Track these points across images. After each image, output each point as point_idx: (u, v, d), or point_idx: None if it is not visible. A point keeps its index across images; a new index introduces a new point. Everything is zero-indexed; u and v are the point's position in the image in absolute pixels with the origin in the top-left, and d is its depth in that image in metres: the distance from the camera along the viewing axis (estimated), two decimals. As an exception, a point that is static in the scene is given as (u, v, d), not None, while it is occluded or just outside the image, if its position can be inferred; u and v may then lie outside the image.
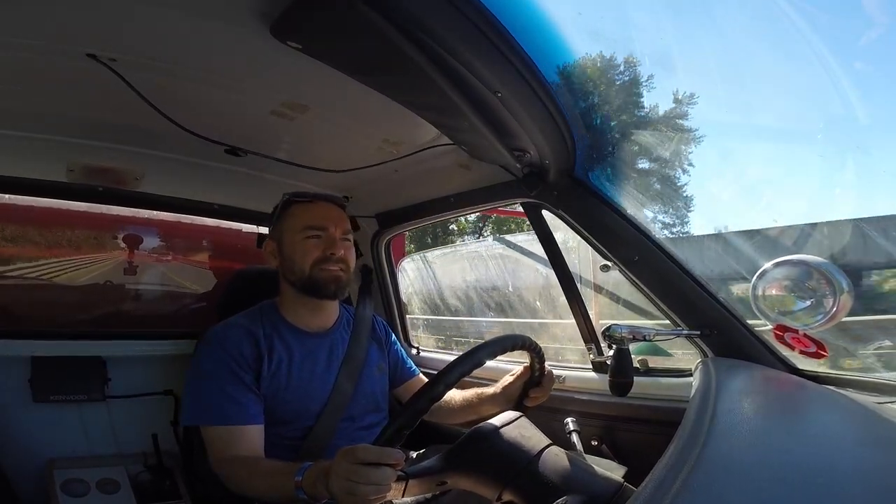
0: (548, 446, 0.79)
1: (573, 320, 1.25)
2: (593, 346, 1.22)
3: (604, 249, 1.11)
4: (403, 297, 1.79)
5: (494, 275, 2.97)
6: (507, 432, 0.80)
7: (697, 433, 0.58)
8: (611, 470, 0.80)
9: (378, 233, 1.67)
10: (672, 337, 1.02)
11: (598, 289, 1.51)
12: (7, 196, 1.42)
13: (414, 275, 3.18)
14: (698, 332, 1.00)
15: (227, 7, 0.70)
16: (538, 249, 1.40)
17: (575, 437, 1.07)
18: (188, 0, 0.70)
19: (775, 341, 0.96)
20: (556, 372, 1.05)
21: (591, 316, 1.25)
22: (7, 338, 1.37)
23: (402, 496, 0.78)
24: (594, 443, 1.15)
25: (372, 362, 1.15)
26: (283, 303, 1.10)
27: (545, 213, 1.23)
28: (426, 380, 1.21)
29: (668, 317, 1.06)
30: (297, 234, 1.05)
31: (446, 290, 3.31)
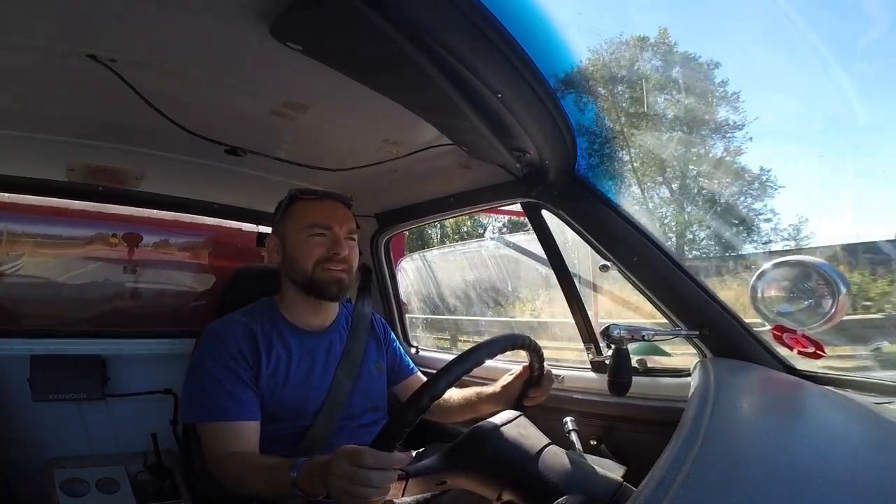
0: (547, 446, 0.80)
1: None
2: (592, 346, 1.22)
3: (603, 249, 1.11)
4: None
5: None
6: (507, 432, 0.80)
7: (696, 433, 0.58)
8: (610, 469, 0.80)
9: (378, 232, 1.67)
10: (671, 337, 1.02)
11: (597, 289, 1.51)
12: (7, 195, 1.42)
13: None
14: (697, 333, 1.01)
15: (227, 7, 0.70)
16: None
17: (574, 437, 1.07)
18: (188, 0, 0.70)
19: (774, 342, 0.96)
20: (555, 372, 1.05)
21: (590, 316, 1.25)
22: (6, 337, 1.38)
23: (402, 495, 0.79)
24: (593, 442, 1.15)
25: (370, 361, 1.15)
26: (283, 300, 1.10)
27: (545, 213, 1.23)
28: (425, 378, 1.21)
29: (666, 317, 1.07)
30: (302, 232, 1.04)
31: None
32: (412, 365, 1.29)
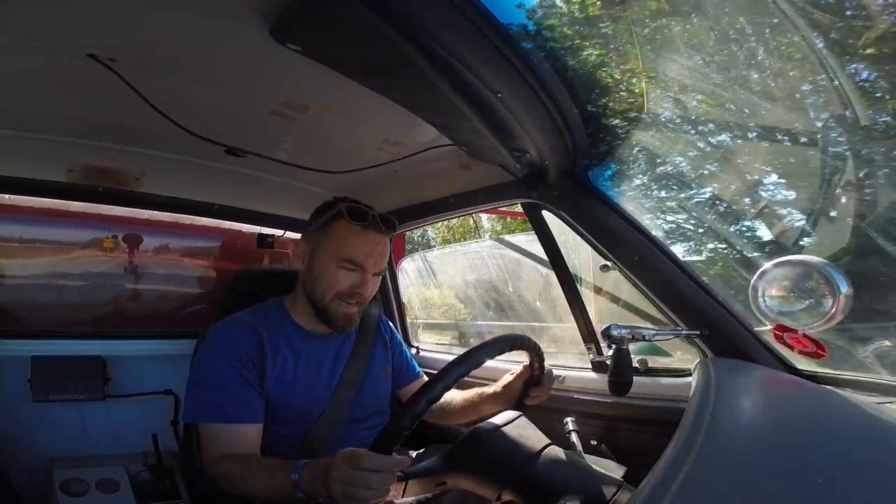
0: (547, 446, 0.79)
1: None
2: (593, 346, 1.22)
3: (603, 249, 1.11)
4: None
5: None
6: (507, 432, 0.80)
7: (696, 433, 0.58)
8: (610, 470, 0.80)
9: (378, 233, 1.66)
10: (671, 337, 1.02)
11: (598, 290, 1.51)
12: (7, 196, 1.42)
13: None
14: (697, 333, 1.00)
15: (227, 8, 0.70)
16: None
17: (574, 437, 1.07)
18: (189, 1, 0.70)
19: (774, 341, 0.96)
20: (555, 372, 1.05)
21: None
22: (7, 338, 1.38)
23: (402, 496, 0.78)
24: (593, 442, 1.15)
25: (377, 364, 1.14)
26: (293, 304, 1.09)
27: (545, 213, 1.23)
28: None
29: (667, 317, 1.06)
30: (334, 262, 1.00)
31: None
32: (417, 368, 1.28)
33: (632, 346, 0.98)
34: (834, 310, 0.85)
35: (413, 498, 0.85)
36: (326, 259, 1.01)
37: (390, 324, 1.29)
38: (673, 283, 1.03)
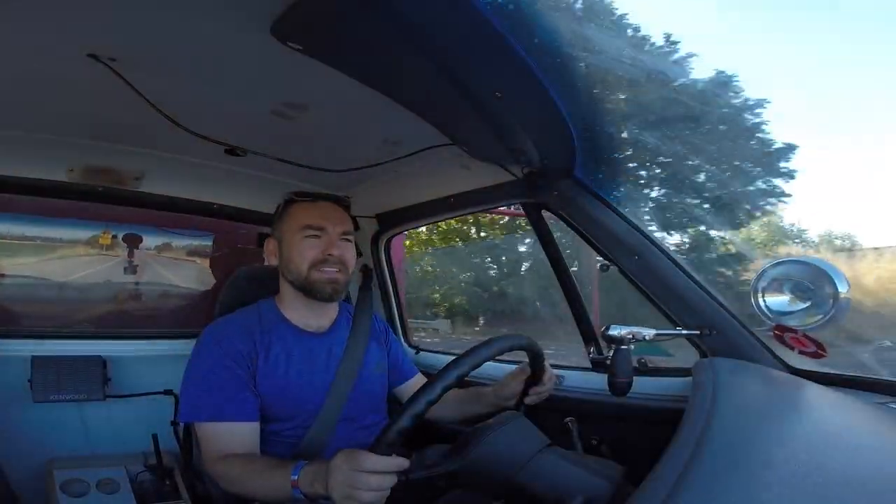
0: (547, 446, 0.79)
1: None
2: (593, 346, 1.22)
3: (603, 250, 1.11)
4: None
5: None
6: (507, 432, 0.80)
7: (696, 433, 0.58)
8: (610, 470, 0.80)
9: (378, 233, 1.67)
10: (671, 337, 1.02)
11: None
12: (7, 195, 1.42)
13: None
14: (697, 332, 1.01)
15: (227, 7, 0.70)
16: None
17: (574, 437, 1.07)
18: (189, 0, 0.70)
19: (774, 341, 0.96)
20: (555, 372, 1.05)
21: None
22: (7, 338, 1.38)
23: (402, 497, 0.78)
24: (594, 442, 1.15)
25: (371, 361, 1.14)
26: (282, 301, 1.10)
27: (545, 213, 1.23)
28: (425, 379, 1.21)
29: (667, 317, 1.07)
30: (296, 234, 1.04)
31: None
32: (413, 366, 1.28)
33: (632, 346, 0.98)
34: (834, 310, 0.85)
35: (413, 498, 0.85)
36: (290, 237, 1.05)
37: (384, 322, 1.30)
38: (673, 283, 1.03)
